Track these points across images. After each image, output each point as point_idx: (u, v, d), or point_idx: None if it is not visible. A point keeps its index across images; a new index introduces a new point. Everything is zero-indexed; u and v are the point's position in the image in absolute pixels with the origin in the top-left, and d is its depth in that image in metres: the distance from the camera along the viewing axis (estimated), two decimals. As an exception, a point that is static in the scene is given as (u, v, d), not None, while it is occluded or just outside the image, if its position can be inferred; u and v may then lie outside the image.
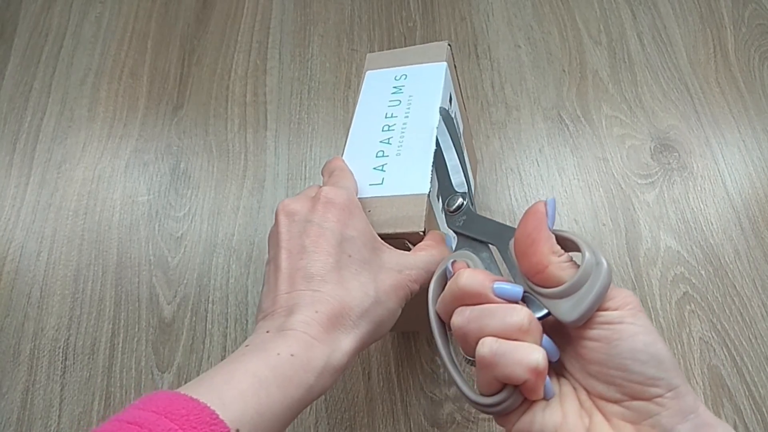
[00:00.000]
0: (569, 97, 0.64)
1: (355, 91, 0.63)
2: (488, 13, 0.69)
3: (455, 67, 0.42)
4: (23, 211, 0.55)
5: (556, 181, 0.59)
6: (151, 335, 0.49)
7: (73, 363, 0.48)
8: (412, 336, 0.50)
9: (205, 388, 0.24)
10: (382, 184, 0.38)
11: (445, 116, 0.41)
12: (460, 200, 0.34)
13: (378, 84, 0.45)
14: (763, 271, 0.54)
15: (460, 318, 0.27)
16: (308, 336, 0.27)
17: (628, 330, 0.25)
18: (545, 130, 0.62)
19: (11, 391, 0.47)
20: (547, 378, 0.25)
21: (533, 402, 0.26)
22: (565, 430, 0.25)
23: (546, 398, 0.26)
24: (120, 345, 0.49)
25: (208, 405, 0.23)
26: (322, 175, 0.37)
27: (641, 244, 0.55)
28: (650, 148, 0.61)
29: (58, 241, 0.54)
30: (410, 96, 0.43)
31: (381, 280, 0.30)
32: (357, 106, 0.44)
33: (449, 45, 0.45)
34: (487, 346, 0.25)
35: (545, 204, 0.28)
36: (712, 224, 0.57)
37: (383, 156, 0.40)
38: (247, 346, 0.27)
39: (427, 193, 0.36)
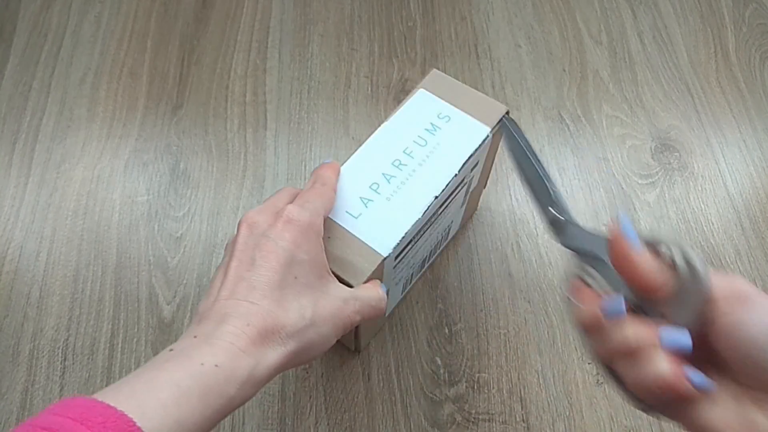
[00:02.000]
0: (570, 96, 0.64)
1: (356, 90, 0.63)
2: (488, 13, 0.69)
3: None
4: (22, 211, 0.55)
5: (557, 180, 0.59)
6: (150, 335, 0.49)
7: (73, 363, 0.48)
8: (412, 336, 0.50)
9: (125, 395, 0.24)
10: (356, 218, 0.37)
11: (512, 127, 0.39)
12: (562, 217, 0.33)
13: (420, 110, 0.43)
14: (764, 271, 0.54)
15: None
16: (235, 347, 0.27)
17: (737, 320, 0.24)
18: (546, 130, 0.62)
19: (10, 392, 0.47)
20: (699, 373, 0.24)
21: (696, 398, 0.25)
22: (731, 424, 0.24)
23: (702, 390, 0.24)
24: (119, 345, 0.49)
25: (127, 413, 0.23)
26: (311, 175, 0.37)
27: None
28: (651, 148, 0.61)
29: (58, 241, 0.53)
30: (438, 144, 0.41)
31: (321, 306, 0.31)
32: (389, 120, 0.42)
33: (507, 114, 0.42)
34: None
35: (620, 225, 0.27)
36: (712, 224, 0.57)
37: (375, 191, 0.39)
38: (171, 350, 0.27)
39: (385, 257, 0.36)
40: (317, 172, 0.37)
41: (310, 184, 0.36)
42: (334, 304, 0.31)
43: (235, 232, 0.32)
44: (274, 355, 0.28)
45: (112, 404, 0.23)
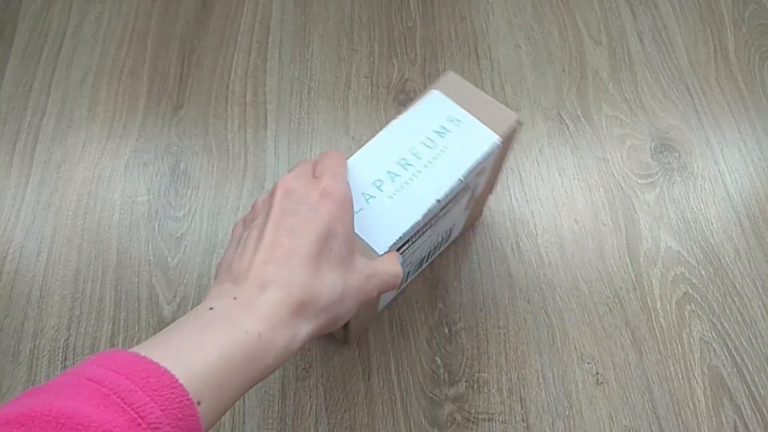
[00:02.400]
0: (569, 97, 0.64)
1: (356, 91, 0.63)
2: (488, 13, 0.69)
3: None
4: (23, 211, 0.55)
5: (556, 181, 0.59)
6: (150, 335, 0.49)
7: (73, 363, 0.48)
8: (412, 336, 0.50)
9: (172, 353, 0.24)
10: (356, 213, 0.37)
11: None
12: None
13: (432, 110, 0.43)
14: (764, 271, 0.54)
15: None
16: (276, 318, 0.27)
17: None
18: (545, 130, 0.62)
19: (11, 391, 0.47)
20: None
21: None
22: None
23: None
24: (120, 345, 0.49)
25: (172, 371, 0.23)
26: (320, 158, 0.36)
27: (641, 244, 0.55)
28: (650, 148, 0.61)
29: (58, 241, 0.54)
30: (446, 147, 0.41)
31: (349, 279, 0.31)
32: (399, 118, 0.42)
33: (518, 122, 0.42)
34: None
35: None
36: (712, 224, 0.57)
37: (379, 188, 0.39)
38: (212, 309, 0.27)
39: (379, 255, 0.36)
40: (330, 154, 0.37)
41: (325, 161, 0.36)
42: (359, 280, 0.31)
43: (270, 194, 0.31)
44: (307, 327, 0.28)
45: (156, 360, 0.23)
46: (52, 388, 0.22)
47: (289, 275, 0.28)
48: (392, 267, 0.35)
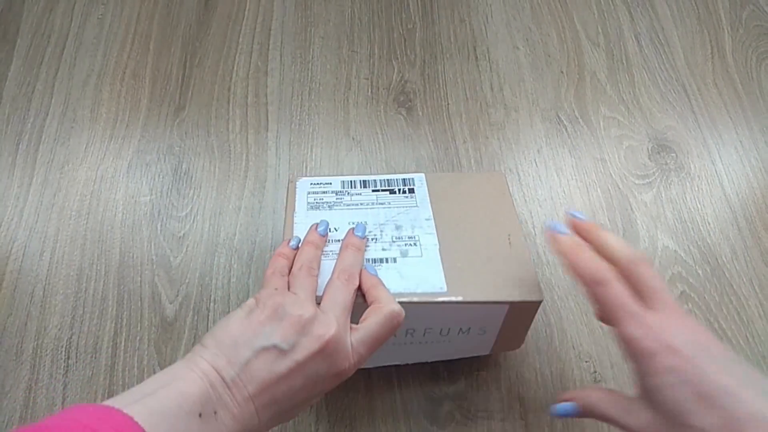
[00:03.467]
0: (567, 98, 0.64)
1: (356, 92, 0.64)
2: (487, 15, 0.70)
3: None
4: (26, 211, 0.56)
5: (554, 181, 0.59)
6: (153, 334, 0.50)
7: (76, 362, 0.49)
8: (411, 335, 0.50)
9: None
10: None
11: None
12: None
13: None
14: (760, 270, 0.55)
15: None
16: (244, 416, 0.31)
17: None
18: (543, 131, 0.62)
19: (14, 390, 0.47)
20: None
21: None
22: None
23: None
24: (122, 344, 0.49)
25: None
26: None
27: (639, 244, 0.56)
28: (648, 149, 0.62)
29: (61, 241, 0.54)
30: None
31: (326, 384, 0.35)
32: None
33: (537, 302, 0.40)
34: None
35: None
36: (709, 224, 0.57)
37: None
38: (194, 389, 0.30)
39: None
40: (352, 250, 0.40)
41: (345, 258, 0.40)
42: (337, 378, 0.35)
43: (254, 356, 0.33)
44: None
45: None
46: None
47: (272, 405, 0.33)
48: (380, 315, 0.36)
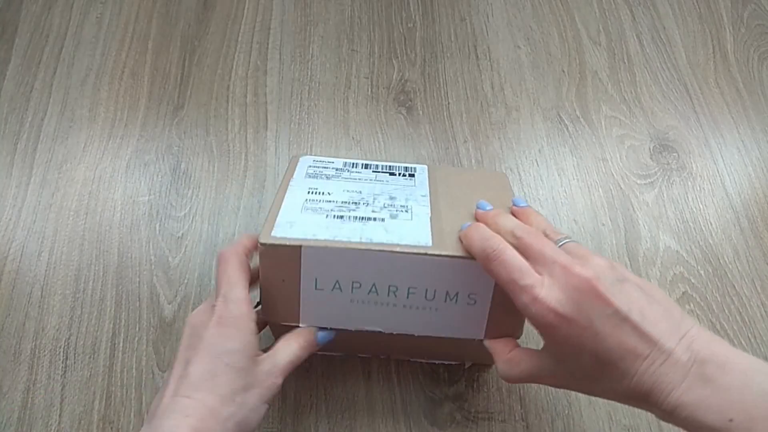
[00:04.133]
0: (568, 97, 0.64)
1: (356, 91, 0.63)
2: (488, 14, 0.70)
3: None
4: (24, 211, 0.55)
5: (556, 181, 0.59)
6: (152, 335, 0.50)
7: (74, 362, 0.48)
8: (412, 336, 0.50)
9: None
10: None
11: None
12: None
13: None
14: (762, 271, 0.54)
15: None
16: None
17: None
18: (544, 131, 0.62)
19: (12, 391, 0.47)
20: None
21: None
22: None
23: None
24: (121, 344, 0.49)
25: None
26: (221, 265, 0.38)
27: (640, 244, 0.55)
28: (649, 149, 0.61)
29: (59, 241, 0.54)
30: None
31: (250, 385, 0.34)
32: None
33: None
34: None
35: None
36: (711, 224, 0.57)
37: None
38: None
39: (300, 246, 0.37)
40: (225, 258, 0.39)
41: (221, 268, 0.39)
42: (259, 380, 0.35)
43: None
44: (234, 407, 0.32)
45: None
46: None
47: (187, 401, 0.32)
48: (290, 347, 0.37)
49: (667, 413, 0.29)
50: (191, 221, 0.55)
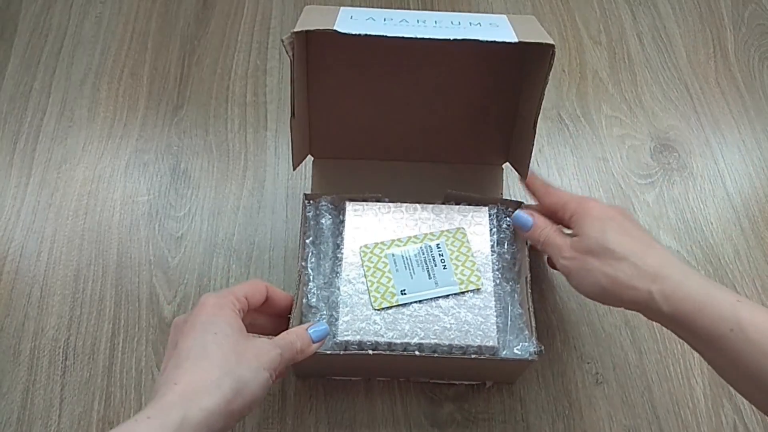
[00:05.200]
0: (569, 97, 0.64)
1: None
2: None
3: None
4: (23, 211, 0.55)
5: (556, 180, 0.59)
6: (151, 335, 0.49)
7: (74, 363, 0.48)
8: (412, 336, 0.50)
9: None
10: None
11: None
12: None
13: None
14: (763, 271, 0.54)
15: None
16: (164, 400, 0.31)
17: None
18: (545, 130, 0.62)
19: (11, 391, 0.47)
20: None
21: None
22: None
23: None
24: (120, 345, 0.49)
25: None
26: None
27: (641, 244, 0.55)
28: (650, 148, 0.61)
29: (59, 241, 0.54)
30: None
31: (245, 349, 0.34)
32: None
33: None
34: None
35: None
36: (711, 224, 0.57)
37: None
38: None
39: None
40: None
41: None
42: (253, 345, 0.35)
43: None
44: (208, 399, 0.31)
45: None
46: None
47: (176, 371, 0.32)
48: (292, 337, 0.38)
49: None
50: (191, 221, 0.55)
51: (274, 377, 0.35)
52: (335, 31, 0.38)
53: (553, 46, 0.40)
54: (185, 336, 0.34)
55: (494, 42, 0.39)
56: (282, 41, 0.39)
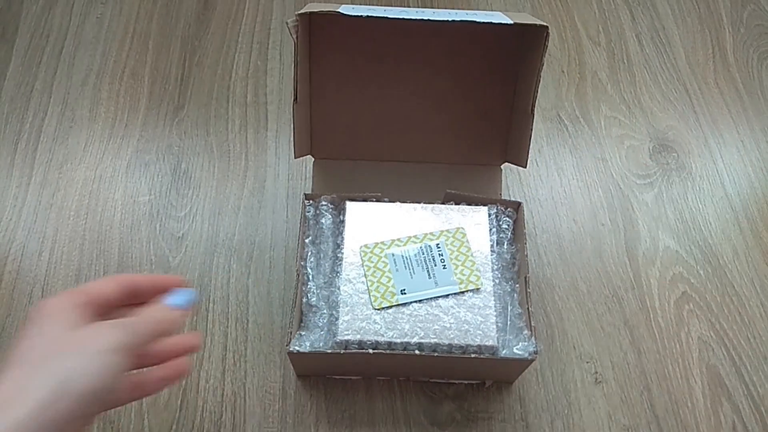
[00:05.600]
0: (568, 97, 0.64)
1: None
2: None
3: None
4: (25, 211, 0.55)
5: (555, 181, 0.59)
6: (152, 335, 0.50)
7: (75, 362, 0.48)
8: (411, 335, 0.50)
9: None
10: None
11: None
12: None
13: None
14: (762, 271, 0.54)
15: None
16: None
17: None
18: (544, 131, 0.62)
19: (13, 390, 0.47)
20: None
21: None
22: None
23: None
24: (121, 344, 0.49)
25: None
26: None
27: (640, 244, 0.56)
28: (649, 149, 0.61)
29: (60, 241, 0.54)
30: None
31: (69, 337, 0.31)
32: None
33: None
34: None
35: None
36: (710, 224, 0.57)
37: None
38: None
39: None
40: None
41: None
42: (88, 333, 0.32)
43: None
44: (18, 408, 0.29)
45: None
46: None
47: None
48: (152, 314, 0.34)
49: None
50: (191, 221, 0.55)
51: (133, 359, 0.32)
52: (339, 12, 0.39)
53: (546, 27, 0.41)
54: (12, 348, 0.32)
55: (490, 23, 0.41)
56: (286, 23, 0.40)
